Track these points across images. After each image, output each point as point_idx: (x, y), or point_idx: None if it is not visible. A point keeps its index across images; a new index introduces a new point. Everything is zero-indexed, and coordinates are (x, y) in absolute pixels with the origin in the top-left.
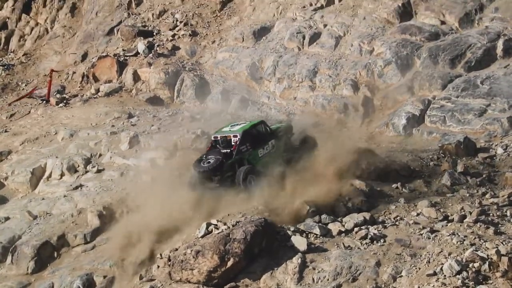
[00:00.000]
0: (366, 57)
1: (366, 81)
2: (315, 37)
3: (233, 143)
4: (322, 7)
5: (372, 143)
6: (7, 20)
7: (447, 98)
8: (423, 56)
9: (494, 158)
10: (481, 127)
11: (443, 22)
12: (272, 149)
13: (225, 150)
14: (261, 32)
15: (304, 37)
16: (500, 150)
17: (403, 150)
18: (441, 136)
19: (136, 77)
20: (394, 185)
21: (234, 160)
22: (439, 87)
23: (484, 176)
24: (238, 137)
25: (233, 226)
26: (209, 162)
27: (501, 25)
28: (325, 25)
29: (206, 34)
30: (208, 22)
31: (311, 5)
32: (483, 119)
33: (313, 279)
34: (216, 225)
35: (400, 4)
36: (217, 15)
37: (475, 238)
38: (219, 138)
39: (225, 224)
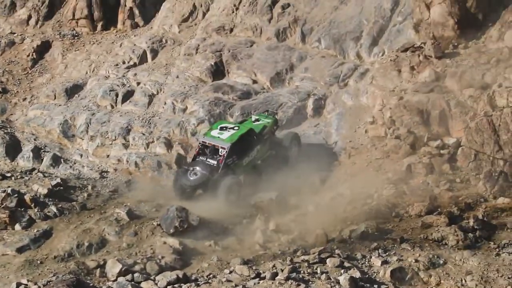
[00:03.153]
0: (180, 115)
1: (179, 139)
2: (128, 95)
3: (220, 155)
4: (135, 65)
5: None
6: None
7: None
8: (235, 115)
9: (306, 215)
10: None
11: (255, 81)
12: (256, 154)
13: (212, 162)
14: (73, 90)
15: (117, 95)
16: None
17: (215, 208)
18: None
19: None
20: (207, 243)
21: (219, 176)
22: None
23: (296, 233)
24: (226, 150)
25: (44, 286)
26: (196, 174)
27: (311, 84)
28: (138, 83)
29: (17, 92)
30: (19, 79)
31: (124, 63)
32: None
33: None
34: (27, 285)
35: (212, 63)
36: (28, 72)
37: None
38: (207, 144)
39: (35, 283)
